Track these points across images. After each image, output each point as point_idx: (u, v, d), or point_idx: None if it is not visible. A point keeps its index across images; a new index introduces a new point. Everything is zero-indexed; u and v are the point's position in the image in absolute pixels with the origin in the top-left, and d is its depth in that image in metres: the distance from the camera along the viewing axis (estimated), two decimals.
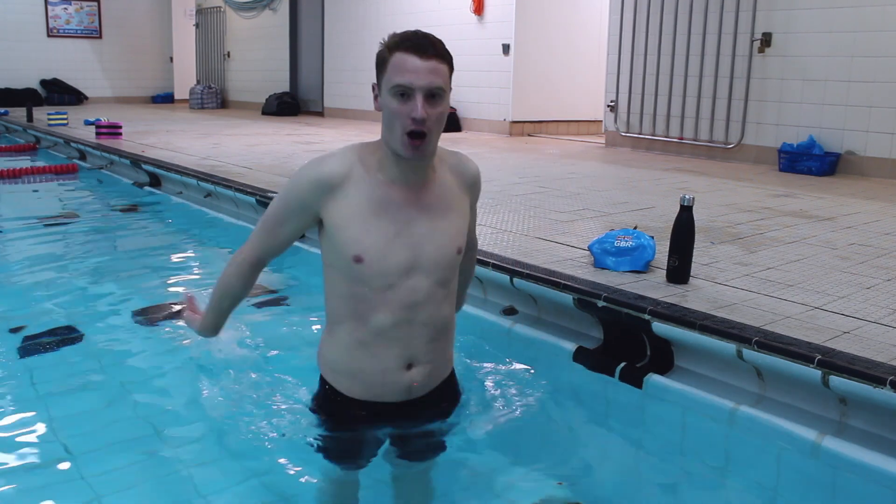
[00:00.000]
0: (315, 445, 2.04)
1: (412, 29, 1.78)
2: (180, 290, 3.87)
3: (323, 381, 1.99)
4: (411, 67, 1.68)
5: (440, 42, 1.75)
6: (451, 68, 1.76)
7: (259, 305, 3.54)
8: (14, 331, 3.11)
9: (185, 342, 3.11)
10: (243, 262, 1.97)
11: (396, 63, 1.70)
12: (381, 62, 1.74)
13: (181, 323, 3.30)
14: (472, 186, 1.97)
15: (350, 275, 1.81)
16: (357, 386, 1.91)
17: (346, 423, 1.99)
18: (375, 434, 2.00)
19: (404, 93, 1.69)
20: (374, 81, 1.80)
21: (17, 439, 2.29)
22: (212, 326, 2.09)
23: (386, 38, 1.76)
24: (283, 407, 2.40)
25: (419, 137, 1.71)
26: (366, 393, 1.91)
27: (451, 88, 1.78)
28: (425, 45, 1.70)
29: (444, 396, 2.06)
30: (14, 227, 5.16)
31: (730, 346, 2.35)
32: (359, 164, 1.81)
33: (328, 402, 1.99)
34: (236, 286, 1.99)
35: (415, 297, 1.82)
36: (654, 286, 2.85)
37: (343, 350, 1.89)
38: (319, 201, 1.80)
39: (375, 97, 1.80)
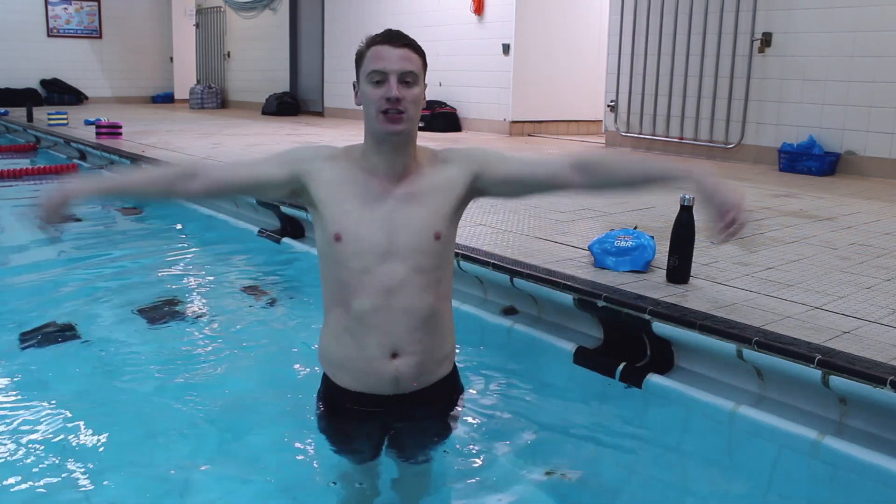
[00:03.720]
0: (319, 439, 2.06)
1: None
2: (181, 290, 3.87)
3: (324, 374, 2.06)
4: (385, 55, 1.84)
5: (412, 38, 1.90)
6: (425, 62, 1.92)
7: (261, 303, 3.55)
8: (14, 330, 3.11)
9: (184, 342, 3.11)
10: (187, 161, 1.95)
11: (372, 54, 1.86)
12: (359, 58, 1.90)
13: (182, 322, 3.31)
14: (453, 153, 2.00)
15: (333, 256, 1.92)
16: (347, 375, 1.98)
17: (340, 414, 2.02)
18: (371, 429, 2.01)
19: (380, 79, 1.84)
20: (354, 80, 1.94)
21: (18, 439, 2.29)
22: (89, 185, 1.97)
23: (363, 40, 1.92)
24: (288, 401, 2.40)
25: (395, 114, 1.84)
26: (356, 383, 1.96)
27: (425, 81, 1.92)
28: (397, 36, 1.87)
29: (440, 397, 2.07)
30: (14, 228, 5.16)
31: (730, 346, 2.35)
32: (345, 156, 1.96)
33: (325, 393, 2.05)
34: (158, 170, 1.94)
35: (391, 281, 1.89)
36: (654, 286, 2.85)
37: (333, 338, 1.98)
38: (305, 166, 1.93)
39: (356, 93, 1.94)
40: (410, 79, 1.84)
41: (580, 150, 1.93)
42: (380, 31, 1.91)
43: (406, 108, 1.83)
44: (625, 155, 1.80)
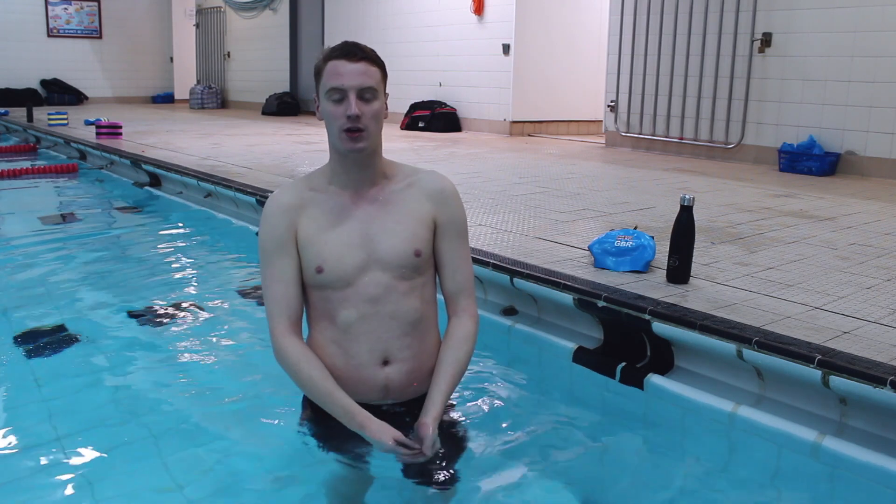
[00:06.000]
0: (312, 445, 2.05)
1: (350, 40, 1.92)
2: (180, 290, 3.88)
3: None
4: (342, 71, 1.83)
5: (371, 49, 1.89)
6: (384, 72, 1.91)
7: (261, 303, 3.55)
8: (13, 331, 3.11)
9: (183, 342, 3.11)
10: (283, 338, 1.89)
11: (329, 70, 1.85)
12: (318, 73, 1.89)
13: (181, 323, 3.31)
14: (433, 197, 1.98)
15: (313, 283, 1.93)
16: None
17: (329, 421, 1.97)
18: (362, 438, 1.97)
19: (339, 97, 1.84)
20: (314, 94, 1.93)
21: (17, 440, 2.29)
22: (342, 406, 1.85)
23: (320, 54, 1.90)
24: (282, 407, 2.40)
25: (356, 132, 1.84)
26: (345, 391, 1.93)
27: (386, 91, 1.92)
28: (354, 51, 1.85)
29: None
30: (14, 228, 5.16)
31: (730, 346, 2.35)
32: (309, 189, 1.96)
33: (313, 403, 2.01)
34: (306, 362, 1.87)
35: (375, 290, 1.90)
36: (654, 286, 2.85)
37: (319, 350, 1.96)
38: (292, 225, 1.93)
39: (317, 107, 1.92)
40: (370, 94, 1.83)
41: (466, 318, 2.01)
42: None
43: (366, 125, 1.84)
44: (460, 356, 1.97)
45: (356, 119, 1.82)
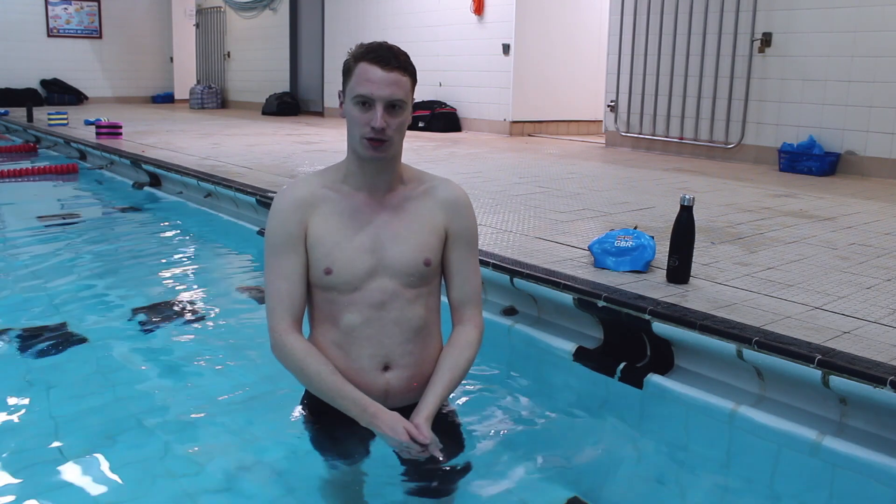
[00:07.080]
0: (309, 445, 2.05)
1: (379, 41, 1.87)
2: (180, 289, 3.87)
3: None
4: (373, 78, 1.78)
5: (404, 55, 1.84)
6: (414, 80, 1.86)
7: (261, 303, 3.55)
8: (13, 330, 3.11)
9: (183, 342, 3.11)
10: (286, 335, 1.86)
11: (360, 73, 1.80)
12: (347, 71, 1.84)
13: (181, 322, 3.31)
14: (447, 206, 1.97)
15: (320, 284, 1.91)
16: None
17: (327, 422, 1.98)
18: (363, 433, 1.95)
19: (366, 102, 1.79)
20: (340, 88, 1.89)
21: (15, 439, 2.29)
22: (353, 399, 1.84)
23: (353, 48, 1.86)
24: (282, 407, 2.41)
25: (378, 141, 1.81)
26: None
27: (413, 99, 1.88)
28: (388, 58, 1.79)
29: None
30: (14, 228, 5.16)
31: (730, 346, 2.35)
32: (322, 187, 1.93)
33: (311, 402, 2.02)
34: (313, 357, 1.85)
35: (381, 296, 1.89)
36: (654, 286, 2.85)
37: (320, 351, 1.93)
38: (303, 221, 1.90)
39: (341, 103, 1.90)
40: (398, 104, 1.80)
41: (471, 327, 2.01)
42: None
43: (390, 137, 1.81)
44: (460, 362, 1.96)
45: (381, 131, 1.79)
